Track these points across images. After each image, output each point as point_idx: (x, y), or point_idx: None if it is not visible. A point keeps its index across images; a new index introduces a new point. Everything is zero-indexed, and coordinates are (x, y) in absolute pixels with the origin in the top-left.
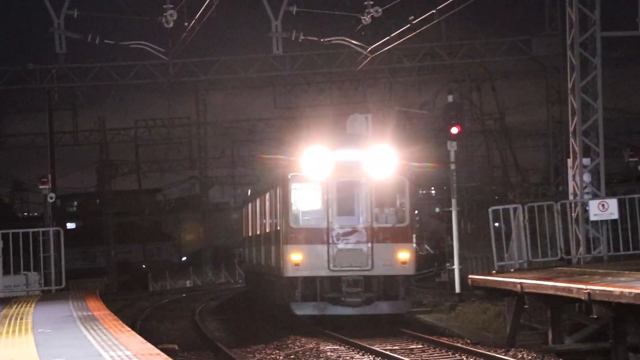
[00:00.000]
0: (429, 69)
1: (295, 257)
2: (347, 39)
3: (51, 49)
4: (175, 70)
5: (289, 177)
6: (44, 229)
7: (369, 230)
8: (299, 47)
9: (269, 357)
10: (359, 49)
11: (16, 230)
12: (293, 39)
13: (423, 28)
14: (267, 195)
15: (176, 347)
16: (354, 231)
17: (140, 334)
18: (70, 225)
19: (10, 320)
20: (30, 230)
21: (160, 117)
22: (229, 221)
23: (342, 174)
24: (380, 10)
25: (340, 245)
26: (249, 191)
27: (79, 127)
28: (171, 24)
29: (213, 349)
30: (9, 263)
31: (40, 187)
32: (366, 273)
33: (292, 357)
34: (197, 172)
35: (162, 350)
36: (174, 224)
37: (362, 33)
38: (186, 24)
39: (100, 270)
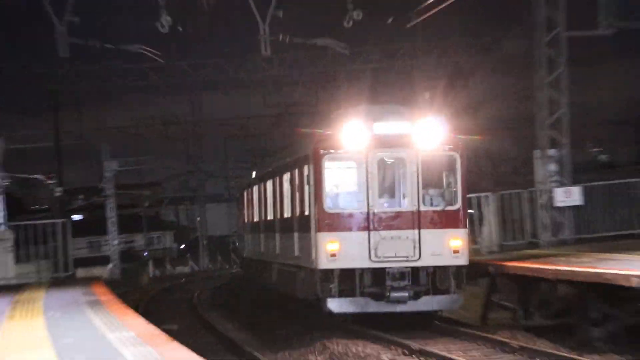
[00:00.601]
0: (408, 66)
1: (332, 247)
2: (330, 41)
3: (55, 51)
4: (170, 72)
5: (322, 153)
6: (52, 221)
7: (415, 215)
8: (286, 48)
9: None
10: (342, 50)
11: (27, 222)
12: (280, 40)
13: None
14: (287, 176)
15: (176, 327)
16: (398, 215)
17: (143, 315)
18: (77, 217)
19: (23, 305)
20: (40, 222)
21: (157, 115)
22: (222, 211)
23: (384, 149)
24: (361, 14)
25: (383, 232)
26: (253, 174)
27: (83, 125)
28: (166, 29)
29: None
30: (22, 252)
31: (48, 182)
32: (413, 264)
33: None
34: (192, 166)
35: (164, 330)
36: (172, 214)
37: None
38: (180, 28)
39: (105, 258)
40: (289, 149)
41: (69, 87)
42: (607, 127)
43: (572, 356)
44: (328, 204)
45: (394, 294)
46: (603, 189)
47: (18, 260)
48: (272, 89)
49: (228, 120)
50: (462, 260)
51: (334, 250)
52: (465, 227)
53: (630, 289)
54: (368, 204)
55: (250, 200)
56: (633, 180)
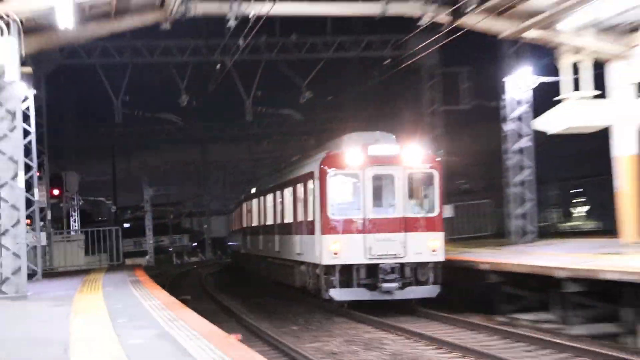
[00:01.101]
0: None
1: (334, 247)
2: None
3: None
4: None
5: (327, 170)
6: (109, 228)
7: (402, 220)
8: (262, 115)
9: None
10: (298, 117)
11: (93, 229)
12: (259, 110)
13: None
14: (289, 190)
15: (189, 297)
16: (388, 221)
17: (168, 291)
18: (126, 225)
19: (89, 282)
20: (101, 228)
21: (179, 158)
22: (221, 221)
23: (377, 167)
24: (311, 94)
25: (376, 235)
26: (253, 190)
27: (131, 165)
28: (185, 103)
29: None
30: (90, 248)
31: (107, 202)
32: (400, 260)
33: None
34: (202, 191)
35: (180, 300)
36: (188, 223)
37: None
38: (194, 102)
39: (144, 252)
40: (288, 170)
41: (121, 141)
42: (467, 167)
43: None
44: (331, 212)
45: (385, 285)
46: (465, 206)
47: (87, 253)
48: (254, 142)
49: (225, 162)
50: (439, 257)
51: (336, 249)
52: (442, 230)
53: (482, 270)
54: (364, 212)
55: (249, 211)
56: (482, 201)
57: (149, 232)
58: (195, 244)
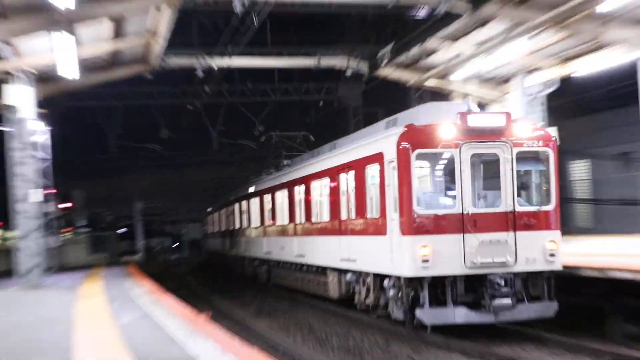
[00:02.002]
0: None
1: (424, 252)
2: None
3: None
4: (169, 157)
5: (408, 149)
6: (108, 232)
7: (510, 216)
8: (226, 145)
9: None
10: (253, 146)
11: (95, 234)
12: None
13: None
14: (333, 180)
15: (172, 285)
16: (494, 216)
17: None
18: (123, 230)
19: (92, 274)
20: (102, 233)
21: (164, 179)
22: (197, 226)
23: (478, 144)
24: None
25: (480, 235)
26: (252, 188)
27: (124, 184)
28: (166, 136)
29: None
30: (93, 249)
31: (106, 213)
32: (510, 269)
33: None
34: (182, 204)
35: (163, 288)
36: (171, 228)
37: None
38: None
39: (136, 251)
40: (311, 163)
41: (117, 164)
42: None
43: None
44: (418, 205)
45: (497, 302)
46: None
47: (91, 252)
48: (220, 166)
49: (200, 182)
50: (557, 264)
51: (426, 256)
52: (558, 228)
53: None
54: (462, 204)
55: (212, 220)
56: None
57: (140, 235)
58: (175, 245)
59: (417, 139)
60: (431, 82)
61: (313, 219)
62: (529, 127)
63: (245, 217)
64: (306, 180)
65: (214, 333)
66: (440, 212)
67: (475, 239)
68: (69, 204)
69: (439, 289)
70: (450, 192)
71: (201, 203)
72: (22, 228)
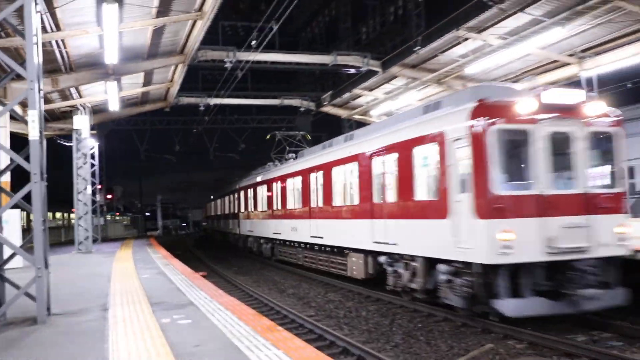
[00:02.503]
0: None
1: (505, 236)
2: (234, 155)
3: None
4: (181, 166)
5: (487, 125)
6: (137, 215)
7: (586, 197)
8: (219, 157)
9: None
10: (237, 158)
11: (129, 215)
12: (218, 153)
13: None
14: (384, 161)
15: (180, 252)
16: (571, 198)
17: (167, 250)
18: (148, 214)
19: (125, 244)
20: (134, 215)
21: (180, 181)
22: (200, 211)
23: (554, 122)
24: (244, 146)
25: (559, 219)
26: (259, 177)
27: (150, 184)
28: (178, 149)
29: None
30: (128, 226)
31: (136, 201)
32: (589, 255)
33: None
34: (189, 196)
35: (174, 255)
36: (180, 213)
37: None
38: (183, 149)
39: (156, 228)
40: (345, 145)
41: (145, 169)
42: None
43: None
44: (497, 185)
45: (581, 291)
46: None
47: (125, 229)
48: (214, 171)
49: (200, 181)
50: (626, 249)
51: (507, 241)
52: (627, 212)
53: None
54: (539, 185)
55: (212, 205)
56: None
57: (159, 217)
58: (184, 224)
59: (492, 113)
60: (357, 117)
61: (335, 203)
62: (600, 106)
63: (251, 202)
64: (326, 167)
65: (206, 286)
66: (519, 193)
67: (555, 222)
68: (111, 196)
69: (515, 277)
70: (526, 172)
71: (201, 196)
72: (79, 211)
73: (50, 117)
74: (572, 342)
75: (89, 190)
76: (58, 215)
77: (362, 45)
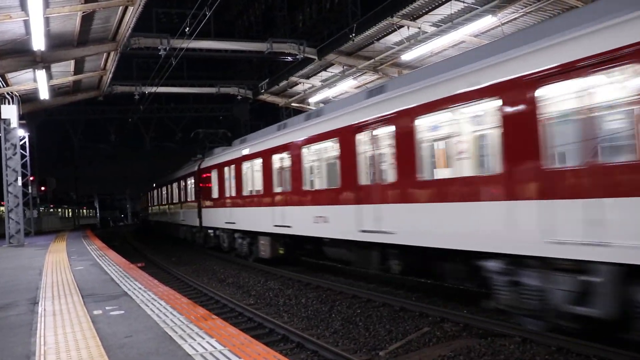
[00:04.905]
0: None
1: None
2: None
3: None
4: (114, 154)
5: None
6: (73, 207)
7: None
8: (156, 145)
9: None
10: (175, 147)
11: (66, 208)
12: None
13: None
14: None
15: (117, 243)
16: None
17: (104, 242)
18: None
19: (60, 236)
20: (68, 207)
21: (108, 170)
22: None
23: None
24: (181, 135)
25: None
26: (251, 148)
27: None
28: (113, 139)
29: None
30: (63, 219)
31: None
32: None
33: None
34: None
35: (111, 247)
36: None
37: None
38: (118, 138)
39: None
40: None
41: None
42: None
43: None
44: None
45: None
46: None
47: (61, 221)
48: (151, 161)
49: (137, 172)
50: None
51: None
52: None
53: None
54: None
55: (149, 197)
56: None
57: (97, 208)
58: (122, 215)
59: None
60: (295, 104)
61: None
62: None
63: (229, 185)
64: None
65: (141, 276)
66: None
67: None
68: (44, 188)
69: None
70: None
71: (138, 187)
72: (9, 204)
73: None
74: (504, 323)
75: (20, 182)
76: None
77: (299, 34)
